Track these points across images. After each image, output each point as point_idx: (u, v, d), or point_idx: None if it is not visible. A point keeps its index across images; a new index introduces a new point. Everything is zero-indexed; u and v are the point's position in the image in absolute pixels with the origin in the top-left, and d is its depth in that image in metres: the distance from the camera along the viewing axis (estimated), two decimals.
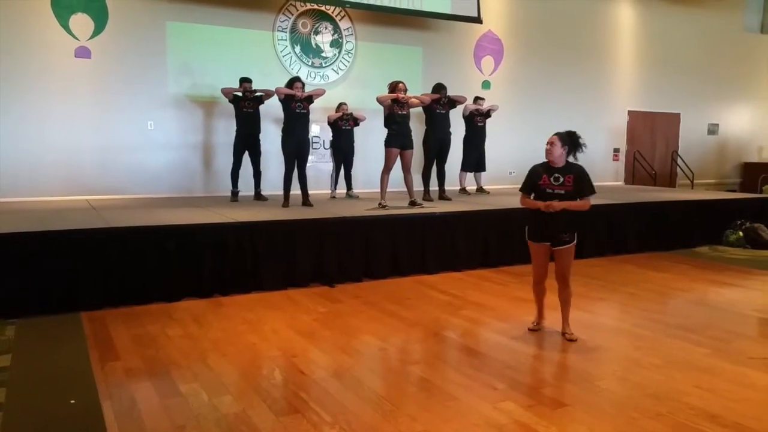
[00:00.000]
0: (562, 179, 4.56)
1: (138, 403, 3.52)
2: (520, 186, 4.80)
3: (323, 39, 10.32)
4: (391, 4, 10.14)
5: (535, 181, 4.63)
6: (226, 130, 9.10)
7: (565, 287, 4.72)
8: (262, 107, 8.60)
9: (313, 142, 9.91)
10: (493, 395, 3.65)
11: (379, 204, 7.55)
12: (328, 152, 9.80)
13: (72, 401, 3.54)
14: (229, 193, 8.66)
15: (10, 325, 4.92)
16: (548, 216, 4.55)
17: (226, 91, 8.52)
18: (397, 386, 3.87)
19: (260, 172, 8.67)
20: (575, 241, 4.67)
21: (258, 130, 8.57)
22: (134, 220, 6.16)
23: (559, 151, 4.56)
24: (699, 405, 3.51)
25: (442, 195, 8.82)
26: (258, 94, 8.51)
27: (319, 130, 10.11)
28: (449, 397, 3.63)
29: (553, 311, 4.92)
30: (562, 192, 4.55)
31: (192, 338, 4.71)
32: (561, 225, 4.60)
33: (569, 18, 12.58)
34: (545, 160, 4.64)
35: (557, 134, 4.60)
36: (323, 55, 10.34)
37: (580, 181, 4.60)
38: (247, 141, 8.51)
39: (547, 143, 4.59)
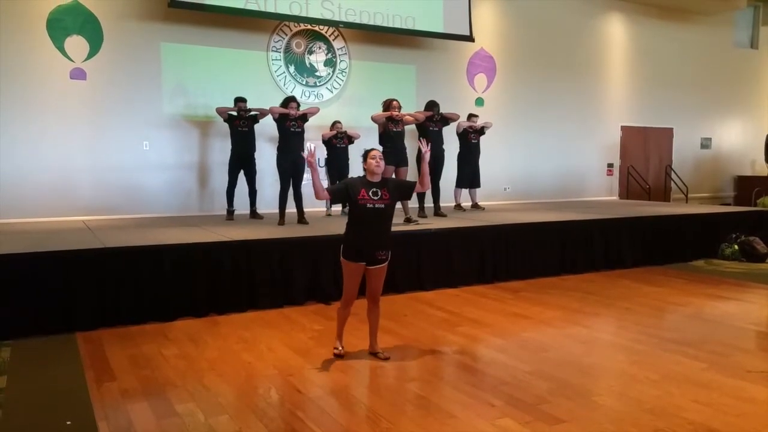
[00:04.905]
0: (380, 193, 4.46)
1: (134, 424, 3.49)
2: (330, 186, 4.49)
3: (317, 58, 10.39)
4: (384, 24, 10.24)
5: (352, 194, 4.44)
6: (222, 149, 9.13)
7: (376, 307, 4.64)
8: (256, 126, 8.63)
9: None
10: (490, 412, 3.64)
11: None
12: (323, 170, 9.81)
13: (68, 422, 3.51)
14: (225, 212, 8.66)
15: (5, 347, 4.89)
16: (368, 233, 4.45)
17: (220, 111, 8.56)
18: (394, 404, 3.85)
19: (255, 190, 8.68)
20: (389, 260, 4.58)
21: (253, 149, 8.59)
22: (129, 240, 6.16)
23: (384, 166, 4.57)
24: (698, 420, 3.50)
25: (438, 212, 8.84)
26: (252, 113, 8.54)
27: (313, 149, 10.11)
28: (447, 414, 3.62)
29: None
30: (383, 206, 4.45)
31: (188, 358, 4.69)
32: (381, 243, 4.49)
33: (561, 35, 12.70)
34: (367, 177, 4.52)
35: (379, 151, 4.59)
36: (317, 74, 10.41)
37: (397, 187, 4.61)
38: (242, 160, 8.52)
39: (378, 158, 4.51)
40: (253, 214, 8.67)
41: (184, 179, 9.42)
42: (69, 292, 5.38)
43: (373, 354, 4.69)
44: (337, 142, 9.01)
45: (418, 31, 10.63)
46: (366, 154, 4.58)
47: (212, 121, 9.26)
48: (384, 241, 4.52)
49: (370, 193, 4.44)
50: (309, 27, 10.22)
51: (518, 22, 12.23)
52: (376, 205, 4.43)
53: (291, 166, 7.90)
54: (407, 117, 8.14)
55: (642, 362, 4.54)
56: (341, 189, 4.55)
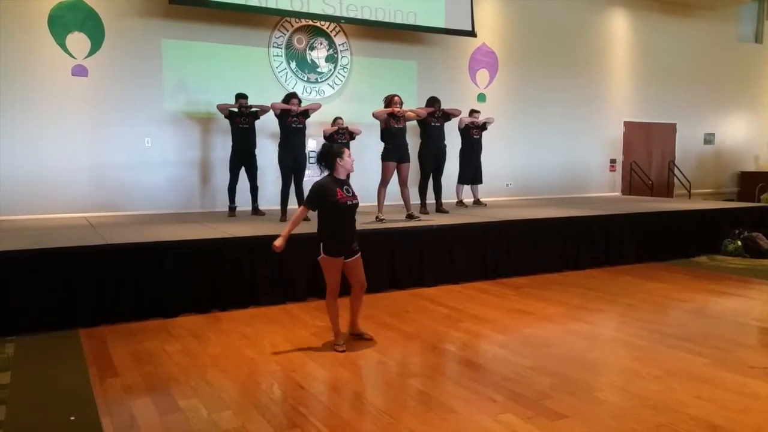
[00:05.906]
0: (351, 190, 4.70)
1: (137, 420, 3.50)
2: (305, 202, 4.72)
3: (318, 54, 10.38)
4: (386, 19, 10.22)
5: (330, 197, 4.56)
6: (223, 146, 9.12)
7: (363, 293, 4.92)
8: (258, 123, 8.62)
9: (309, 157, 9.93)
10: (492, 408, 3.64)
11: (377, 217, 7.56)
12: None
13: (72, 418, 3.52)
14: (227, 209, 8.67)
15: (9, 343, 4.91)
16: (347, 228, 4.67)
17: (221, 107, 8.55)
18: (396, 400, 3.85)
19: (257, 187, 8.68)
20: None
21: (254, 145, 8.58)
22: (132, 237, 6.17)
23: None
24: (700, 416, 3.50)
25: (439, 208, 8.83)
26: (253, 109, 8.53)
27: (315, 145, 10.14)
28: (448, 410, 3.62)
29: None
30: (357, 201, 4.73)
31: (190, 354, 4.70)
32: (354, 236, 4.77)
33: (564, 30, 12.67)
34: (334, 175, 4.66)
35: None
36: (319, 70, 10.40)
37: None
38: (244, 156, 8.52)
39: (350, 156, 4.70)
40: (255, 210, 8.68)
41: (185, 176, 9.42)
42: (71, 288, 5.39)
43: (358, 335, 4.89)
44: (339, 138, 8.99)
45: (420, 26, 10.60)
46: (341, 152, 4.67)
47: (214, 117, 9.26)
48: (355, 234, 4.81)
49: (344, 190, 4.63)
50: (310, 23, 10.20)
51: (520, 17, 12.20)
52: (353, 201, 4.68)
53: (292, 162, 7.90)
54: (409, 113, 8.13)
55: (644, 358, 4.54)
56: (317, 199, 4.63)
